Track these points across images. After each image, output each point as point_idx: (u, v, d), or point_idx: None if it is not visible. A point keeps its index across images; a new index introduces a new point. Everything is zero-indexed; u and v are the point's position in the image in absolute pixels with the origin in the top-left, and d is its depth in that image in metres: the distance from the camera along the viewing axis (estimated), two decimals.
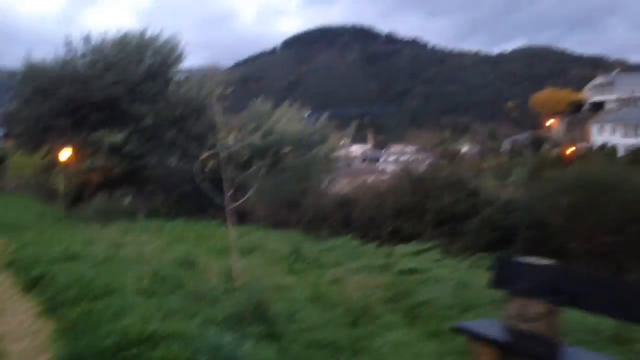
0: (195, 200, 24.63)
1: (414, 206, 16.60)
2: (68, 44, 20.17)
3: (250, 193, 8.79)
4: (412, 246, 13.16)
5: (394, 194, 17.53)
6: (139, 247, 11.95)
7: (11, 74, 19.98)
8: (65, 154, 22.42)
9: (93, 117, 19.77)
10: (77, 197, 28.50)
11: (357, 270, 10.15)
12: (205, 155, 9.67)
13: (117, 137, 19.49)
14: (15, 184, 49.37)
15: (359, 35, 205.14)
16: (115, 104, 20.10)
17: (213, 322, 5.92)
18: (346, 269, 10.41)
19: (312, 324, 6.61)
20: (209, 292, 7.09)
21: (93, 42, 20.45)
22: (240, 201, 12.64)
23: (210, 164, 9.31)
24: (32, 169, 40.15)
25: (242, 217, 21.06)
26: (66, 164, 22.69)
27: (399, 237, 15.66)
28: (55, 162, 23.38)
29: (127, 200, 33.95)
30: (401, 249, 12.99)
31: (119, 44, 20.43)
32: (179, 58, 22.26)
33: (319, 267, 10.95)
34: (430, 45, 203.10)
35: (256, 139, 22.78)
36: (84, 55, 20.32)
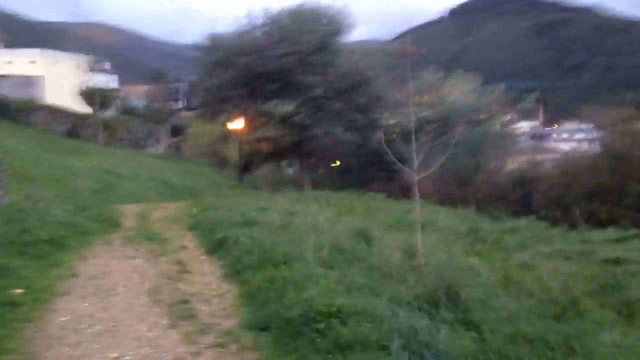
0: (359, 172, 24.60)
1: (612, 188, 14.57)
2: (249, 15, 21.05)
3: (435, 167, 7.95)
4: (612, 232, 11.47)
5: (587, 173, 15.54)
6: (310, 217, 11.92)
7: (195, 48, 21.32)
8: (238, 123, 23.57)
9: (267, 87, 20.43)
10: (246, 165, 30.13)
11: (548, 256, 8.97)
12: (391, 122, 8.97)
13: (289, 107, 19.93)
14: (193, 152, 54.31)
15: (530, 3, 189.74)
16: (288, 74, 20.55)
17: (401, 302, 5.38)
18: (534, 253, 9.27)
19: (510, 314, 5.76)
20: (393, 268, 6.55)
21: (271, 13, 21.09)
22: (425, 174, 11.83)
23: (394, 134, 8.54)
24: (208, 138, 43.60)
25: (407, 192, 20.45)
26: (239, 133, 23.90)
27: (593, 221, 13.85)
28: (229, 132, 24.72)
29: (293, 170, 35.24)
30: (598, 234, 11.38)
31: (295, 14, 20.80)
32: (348, 29, 22.13)
33: (501, 250, 9.93)
34: (611, 13, 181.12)
35: (425, 110, 21.86)
36: (262, 26, 21.03)
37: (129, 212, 15.14)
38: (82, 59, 46.57)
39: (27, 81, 50.87)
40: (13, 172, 20.58)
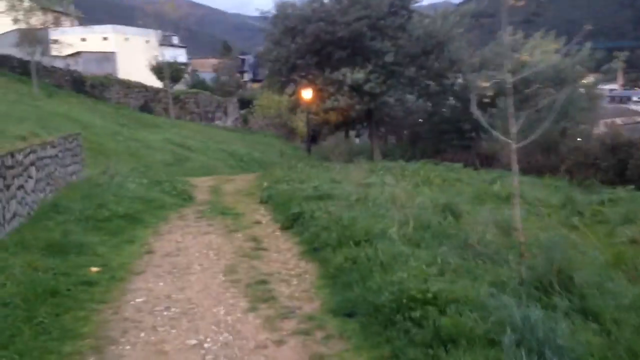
0: (431, 141, 23.62)
1: None
2: None
3: (536, 133, 7.08)
4: None
5: None
6: (387, 189, 11.33)
7: (262, 18, 20.87)
8: (307, 93, 23.09)
9: (336, 55, 19.71)
10: (314, 136, 29.75)
11: None
12: (485, 84, 8.18)
13: (359, 75, 19.17)
14: (260, 124, 54.63)
15: None
16: (358, 40, 19.73)
17: (505, 288, 4.74)
18: None
19: (633, 301, 4.98)
20: (489, 247, 5.88)
21: None
22: (522, 143, 10.94)
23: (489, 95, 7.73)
24: (276, 110, 43.57)
25: (485, 161, 19.35)
26: (307, 104, 23.45)
27: None
28: (298, 102, 24.29)
29: (361, 140, 34.58)
30: None
31: None
32: None
33: (602, 224, 8.97)
34: None
35: (504, 74, 20.52)
36: None
37: (201, 185, 15.10)
38: (152, 34, 47.42)
39: (101, 57, 52.59)
40: (90, 147, 21.19)
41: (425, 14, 21.08)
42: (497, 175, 14.38)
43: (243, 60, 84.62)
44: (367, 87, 19.80)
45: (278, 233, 8.15)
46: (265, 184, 13.71)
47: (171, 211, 9.79)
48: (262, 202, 11.11)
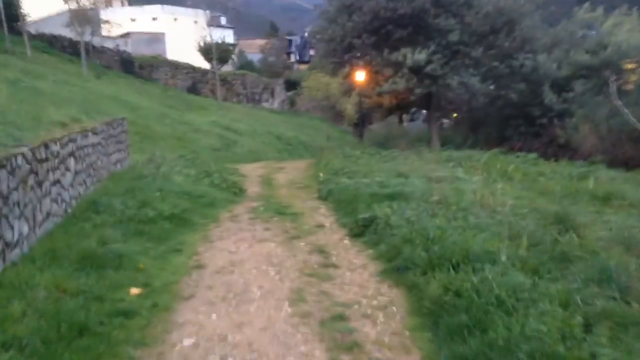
0: (496, 127, 21.83)
1: None
2: None
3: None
4: None
5: None
6: (464, 186, 9.94)
7: None
8: (361, 75, 21.69)
9: (396, 34, 18.18)
10: (363, 119, 28.33)
11: None
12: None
13: (421, 55, 17.62)
14: (307, 106, 53.42)
15: None
16: (420, 18, 18.13)
17: None
18: None
19: None
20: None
21: None
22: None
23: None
24: (323, 92, 42.24)
25: (561, 150, 17.52)
26: (361, 86, 22.03)
27: None
28: (351, 85, 22.91)
29: (416, 125, 32.93)
30: None
31: None
32: None
33: None
34: None
35: (582, 54, 18.57)
36: None
37: (251, 174, 14.07)
38: (200, 15, 46.73)
39: (150, 38, 52.34)
40: (136, 130, 20.52)
41: None
42: (585, 169, 12.68)
43: (290, 42, 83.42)
44: (428, 69, 18.21)
45: (347, 242, 6.92)
46: (321, 175, 12.53)
47: (222, 209, 8.70)
48: (321, 198, 9.93)
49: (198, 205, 8.46)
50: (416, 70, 18.46)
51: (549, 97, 18.68)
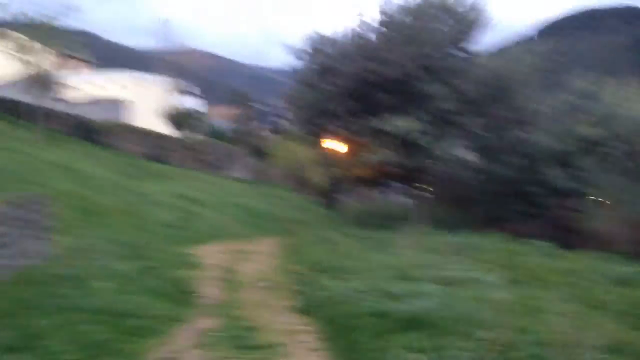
0: (487, 205, 19.61)
1: None
2: (360, 14, 16.85)
3: None
4: None
5: None
6: (488, 293, 7.43)
7: (293, 54, 17.40)
8: (338, 144, 19.50)
9: (382, 100, 16.11)
10: (335, 192, 25.99)
11: None
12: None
13: (411, 124, 15.50)
14: (276, 175, 51.18)
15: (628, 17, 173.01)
16: (410, 83, 16.14)
17: None
18: None
19: None
20: None
21: (390, 10, 16.74)
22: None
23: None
24: (293, 160, 40.20)
25: (569, 235, 15.27)
26: (339, 156, 19.80)
27: None
28: (327, 155, 20.68)
29: (394, 198, 30.66)
30: None
31: (417, 11, 16.39)
32: (484, 27, 17.30)
33: None
34: None
35: (587, 127, 16.78)
36: (379, 26, 16.73)
37: (209, 263, 11.29)
38: (170, 82, 45.00)
39: (116, 104, 50.05)
40: (79, 205, 17.59)
41: (489, 56, 17.47)
42: (628, 270, 10.20)
43: (259, 110, 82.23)
44: (422, 141, 16.08)
45: None
46: (298, 268, 9.86)
47: (154, 339, 5.83)
48: (302, 311, 7.20)
49: (118, 334, 5.60)
50: (404, 140, 16.32)
51: (554, 174, 16.67)
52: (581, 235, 14.65)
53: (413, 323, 5.54)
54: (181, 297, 7.65)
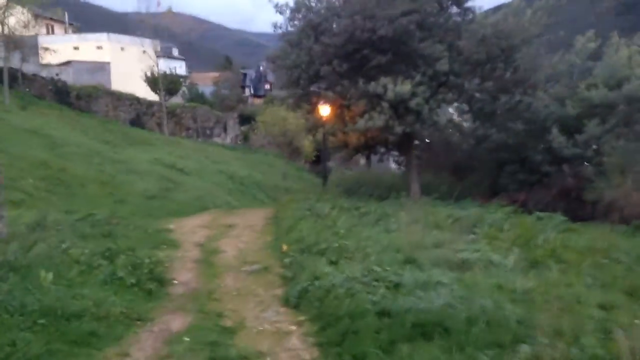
0: (488, 174, 18.56)
1: None
2: None
3: None
4: None
5: None
6: (504, 277, 6.41)
7: (276, 10, 15.90)
8: (329, 110, 18.25)
9: (374, 60, 14.78)
10: (325, 160, 24.81)
11: None
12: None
13: (404, 87, 14.24)
14: (262, 142, 49.70)
15: None
16: (403, 42, 14.78)
17: None
18: None
19: None
20: None
21: None
22: None
23: None
24: (281, 126, 38.82)
25: (578, 205, 14.29)
26: (329, 122, 18.55)
27: None
28: (315, 120, 19.38)
29: (384, 166, 29.53)
30: None
31: None
32: None
33: None
34: None
35: (595, 89, 15.62)
36: None
37: (187, 241, 10.14)
38: (149, 44, 42.80)
39: (94, 67, 47.94)
40: (47, 175, 16.20)
41: (489, 12, 16.09)
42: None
43: (245, 75, 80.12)
44: (412, 104, 14.86)
45: None
46: (284, 247, 8.74)
47: (106, 349, 4.68)
48: (290, 304, 6.10)
49: (60, 344, 4.44)
50: (397, 105, 15.08)
51: (558, 140, 15.58)
52: (593, 206, 13.65)
53: (430, 327, 4.46)
54: (151, 286, 6.49)
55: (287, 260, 7.83)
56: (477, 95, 15.80)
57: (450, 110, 18.68)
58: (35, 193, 13.68)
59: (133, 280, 6.42)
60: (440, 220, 10.68)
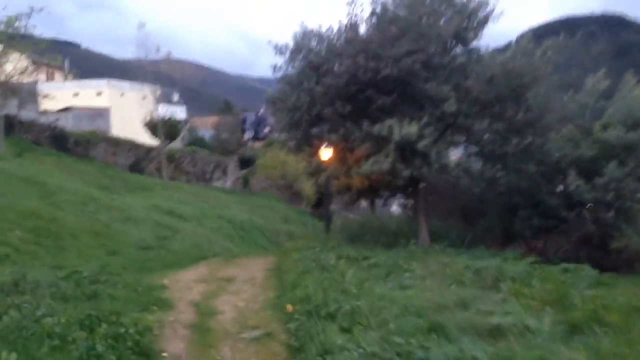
0: (500, 220, 17.70)
1: None
2: (351, 3, 14.79)
3: None
4: None
5: None
6: (547, 350, 5.51)
7: (276, 52, 15.37)
8: (331, 153, 17.53)
9: (378, 101, 14.17)
10: (327, 204, 23.97)
11: None
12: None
13: (411, 128, 13.56)
14: (262, 185, 48.97)
15: (609, 24, 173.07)
16: (408, 82, 14.21)
17: None
18: None
19: None
20: None
21: (381, 1, 14.78)
22: None
23: None
24: (280, 170, 38.25)
25: (601, 254, 13.37)
26: (330, 165, 17.85)
27: None
28: (317, 164, 18.68)
29: (398, 214, 28.59)
30: None
31: (414, 1, 14.43)
32: (486, 20, 15.50)
33: None
34: None
35: (613, 130, 14.94)
36: (371, 17, 14.73)
37: (181, 299, 9.21)
38: (149, 90, 42.64)
39: (93, 113, 47.75)
40: (35, 225, 15.34)
41: (500, 52, 15.56)
42: None
43: (244, 118, 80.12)
44: (420, 146, 14.17)
45: None
46: (291, 307, 7.84)
47: None
48: None
49: None
50: (403, 147, 14.39)
51: (576, 183, 14.79)
52: (619, 255, 12.76)
53: None
54: None
55: (292, 325, 6.92)
56: (487, 136, 15.12)
57: (459, 152, 18.01)
58: (22, 246, 12.79)
59: (113, 358, 5.50)
60: (458, 273, 9.77)
